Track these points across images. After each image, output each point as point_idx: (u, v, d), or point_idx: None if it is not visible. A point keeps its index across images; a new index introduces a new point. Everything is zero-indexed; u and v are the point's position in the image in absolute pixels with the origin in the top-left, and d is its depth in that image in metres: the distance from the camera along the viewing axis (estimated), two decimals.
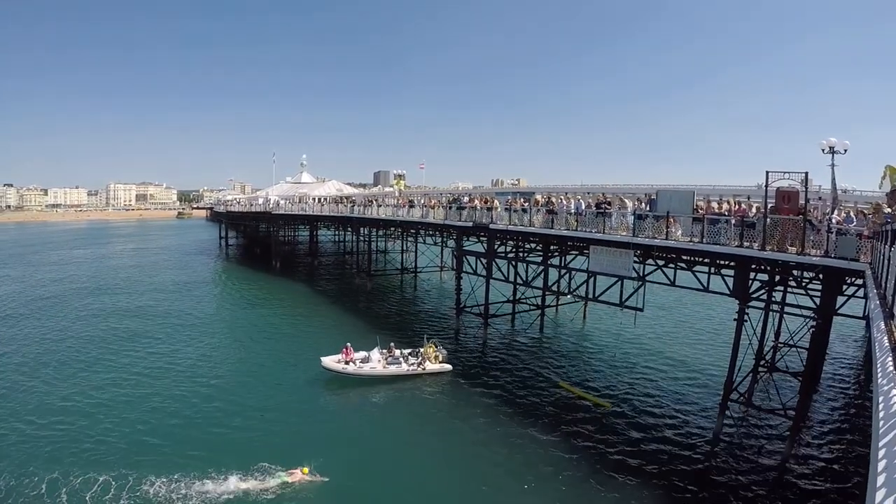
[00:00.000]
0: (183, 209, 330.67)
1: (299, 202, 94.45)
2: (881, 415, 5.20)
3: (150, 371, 38.89)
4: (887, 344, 7.90)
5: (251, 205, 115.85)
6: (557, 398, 34.84)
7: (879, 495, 3.73)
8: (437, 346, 39.60)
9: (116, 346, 45.10)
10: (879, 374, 6.71)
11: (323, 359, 37.86)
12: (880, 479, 3.94)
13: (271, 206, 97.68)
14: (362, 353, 38.54)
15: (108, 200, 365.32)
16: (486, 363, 41.46)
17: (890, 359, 6.99)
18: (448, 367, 38.54)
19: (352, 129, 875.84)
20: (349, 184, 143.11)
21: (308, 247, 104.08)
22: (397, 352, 39.11)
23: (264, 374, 38.67)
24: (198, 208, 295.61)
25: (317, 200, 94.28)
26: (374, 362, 38.02)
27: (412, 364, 38.08)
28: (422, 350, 39.11)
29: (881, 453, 4.34)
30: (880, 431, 4.81)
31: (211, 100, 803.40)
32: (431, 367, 38.07)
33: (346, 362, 37.89)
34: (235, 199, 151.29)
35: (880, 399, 5.66)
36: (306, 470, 24.97)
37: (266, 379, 37.61)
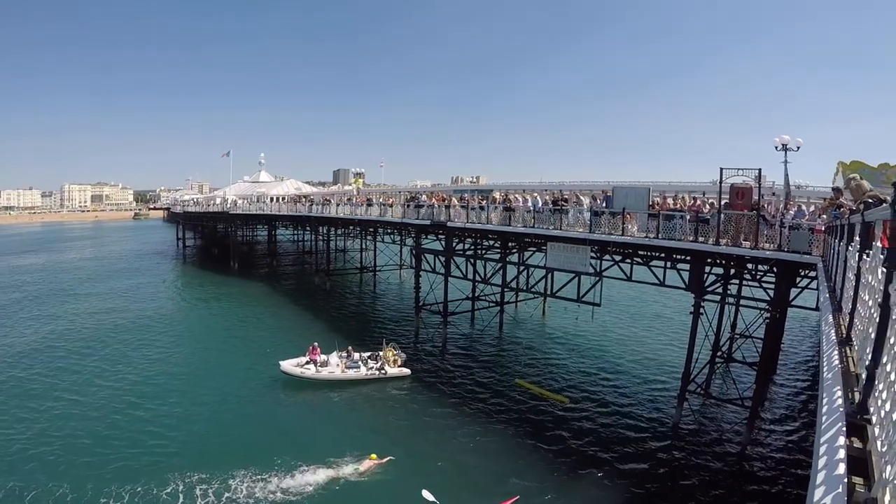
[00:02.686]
0: (139, 210, 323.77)
1: (257, 201, 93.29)
2: (824, 409, 5.11)
3: (94, 379, 37.68)
4: (834, 337, 7.86)
5: (208, 205, 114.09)
6: (517, 396, 34.75)
7: (818, 493, 3.63)
8: (396, 350, 39.13)
9: (62, 353, 43.64)
10: (825, 368, 6.65)
11: (282, 362, 37.14)
12: (820, 477, 3.85)
13: (229, 205, 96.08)
14: (322, 357, 37.91)
15: (62, 202, 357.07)
16: (446, 362, 41.20)
17: (836, 352, 6.94)
18: (407, 371, 38.01)
19: (311, 127, 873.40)
20: (308, 182, 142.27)
21: (267, 247, 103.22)
22: (356, 355, 38.50)
23: (221, 377, 37.76)
24: (155, 209, 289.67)
25: (275, 199, 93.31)
26: (333, 366, 37.42)
27: (371, 368, 37.52)
28: (381, 354, 38.65)
29: (822, 449, 4.25)
30: (822, 427, 4.72)
31: (167, 98, 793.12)
32: (391, 370, 37.59)
33: (309, 361, 37.39)
34: (193, 198, 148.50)
35: (824, 394, 5.58)
36: (374, 456, 26.13)
37: (223, 382, 36.75)
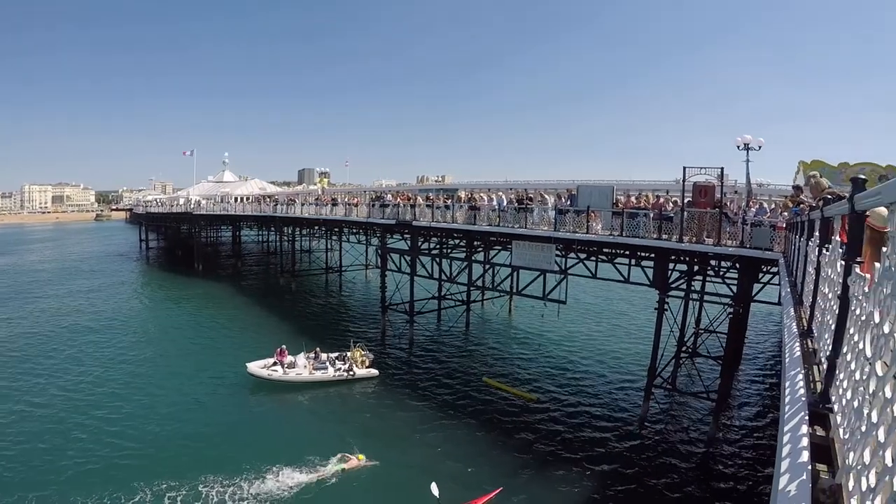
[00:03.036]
0: (101, 211, 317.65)
1: (221, 202, 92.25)
2: (787, 399, 5.15)
3: (52, 386, 36.61)
4: (795, 330, 7.93)
5: (172, 205, 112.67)
6: (486, 394, 34.84)
7: (784, 480, 3.65)
8: (364, 351, 38.85)
9: (19, 359, 42.42)
10: (787, 359, 6.70)
11: (248, 364, 36.69)
12: (784, 465, 3.87)
13: (192, 206, 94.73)
14: (289, 358, 37.50)
15: (22, 203, 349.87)
16: (413, 362, 41.15)
17: (797, 344, 7.00)
18: (375, 371, 37.79)
19: (276, 126, 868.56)
20: (273, 182, 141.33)
21: (231, 248, 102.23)
22: (324, 356, 38.13)
23: (186, 380, 37.12)
24: (117, 210, 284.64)
25: (239, 200, 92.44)
26: (301, 368, 37.04)
27: (339, 369, 37.16)
28: (349, 354, 38.34)
29: (786, 438, 4.28)
30: (785, 416, 4.76)
31: (129, 97, 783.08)
32: (359, 371, 37.31)
33: (276, 363, 36.97)
34: (156, 199, 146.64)
35: (787, 384, 5.61)
36: (362, 457, 26.21)
37: (189, 386, 36.13)
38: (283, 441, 28.56)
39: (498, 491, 23.44)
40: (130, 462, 26.34)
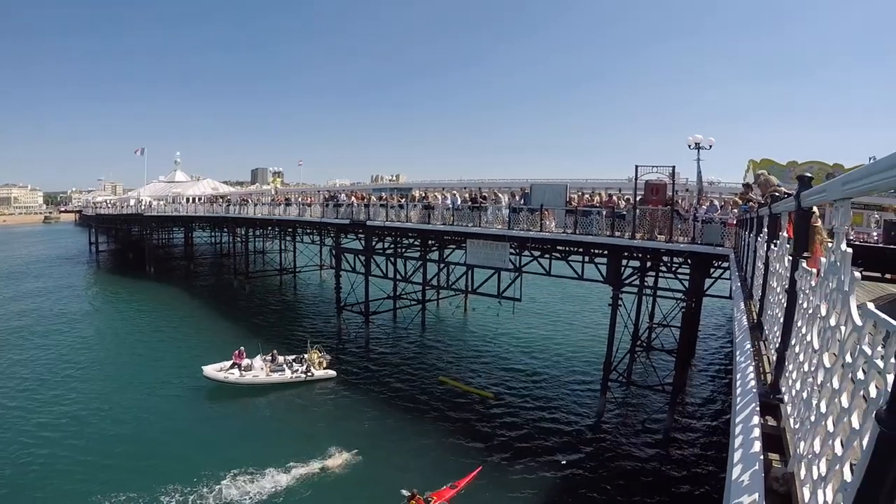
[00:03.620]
0: (50, 213, 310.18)
1: (173, 202, 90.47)
2: (738, 391, 5.26)
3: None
4: (746, 323, 8.08)
5: (122, 206, 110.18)
6: (442, 393, 34.89)
7: (737, 471, 3.73)
8: (321, 352, 38.64)
9: None
10: (738, 352, 6.84)
11: (205, 367, 36.06)
12: (737, 455, 3.96)
13: (143, 207, 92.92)
14: (246, 361, 37.05)
15: None
16: (370, 362, 40.97)
17: (748, 337, 7.15)
18: (332, 373, 37.61)
19: (229, 126, 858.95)
20: (226, 182, 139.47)
21: (184, 249, 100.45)
22: (280, 358, 37.83)
23: (139, 386, 36.19)
24: (66, 211, 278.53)
25: (191, 200, 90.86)
26: (257, 370, 36.67)
27: (296, 371, 36.91)
28: (306, 356, 38.05)
29: (738, 429, 4.38)
30: (737, 407, 4.86)
31: (79, 97, 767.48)
32: (317, 373, 37.08)
33: (233, 365, 36.46)
34: (106, 200, 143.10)
35: (738, 376, 5.72)
36: (346, 454, 26.54)
37: (142, 391, 35.28)
38: (243, 445, 28.09)
39: (478, 470, 24.17)
40: (83, 473, 25.58)
